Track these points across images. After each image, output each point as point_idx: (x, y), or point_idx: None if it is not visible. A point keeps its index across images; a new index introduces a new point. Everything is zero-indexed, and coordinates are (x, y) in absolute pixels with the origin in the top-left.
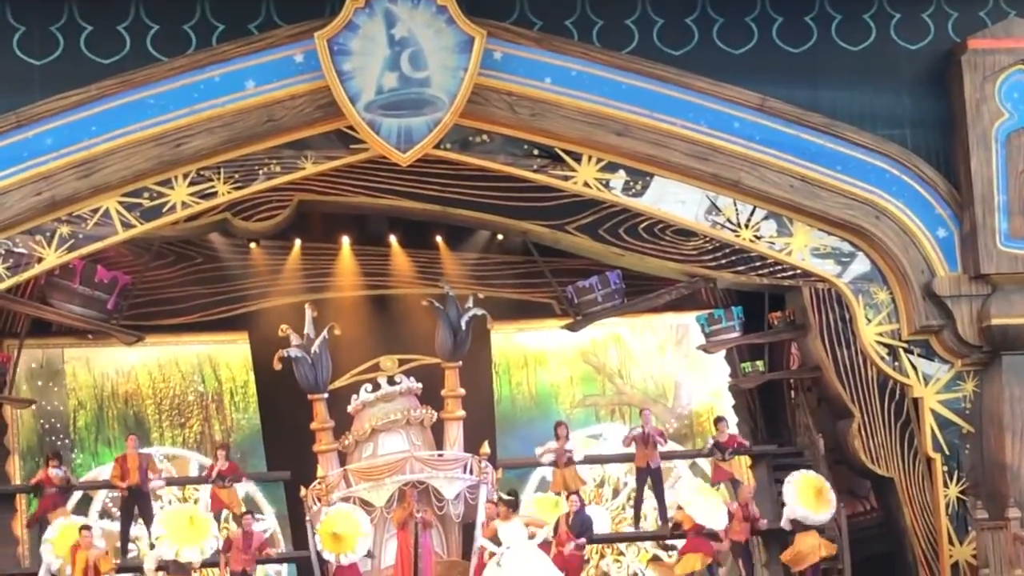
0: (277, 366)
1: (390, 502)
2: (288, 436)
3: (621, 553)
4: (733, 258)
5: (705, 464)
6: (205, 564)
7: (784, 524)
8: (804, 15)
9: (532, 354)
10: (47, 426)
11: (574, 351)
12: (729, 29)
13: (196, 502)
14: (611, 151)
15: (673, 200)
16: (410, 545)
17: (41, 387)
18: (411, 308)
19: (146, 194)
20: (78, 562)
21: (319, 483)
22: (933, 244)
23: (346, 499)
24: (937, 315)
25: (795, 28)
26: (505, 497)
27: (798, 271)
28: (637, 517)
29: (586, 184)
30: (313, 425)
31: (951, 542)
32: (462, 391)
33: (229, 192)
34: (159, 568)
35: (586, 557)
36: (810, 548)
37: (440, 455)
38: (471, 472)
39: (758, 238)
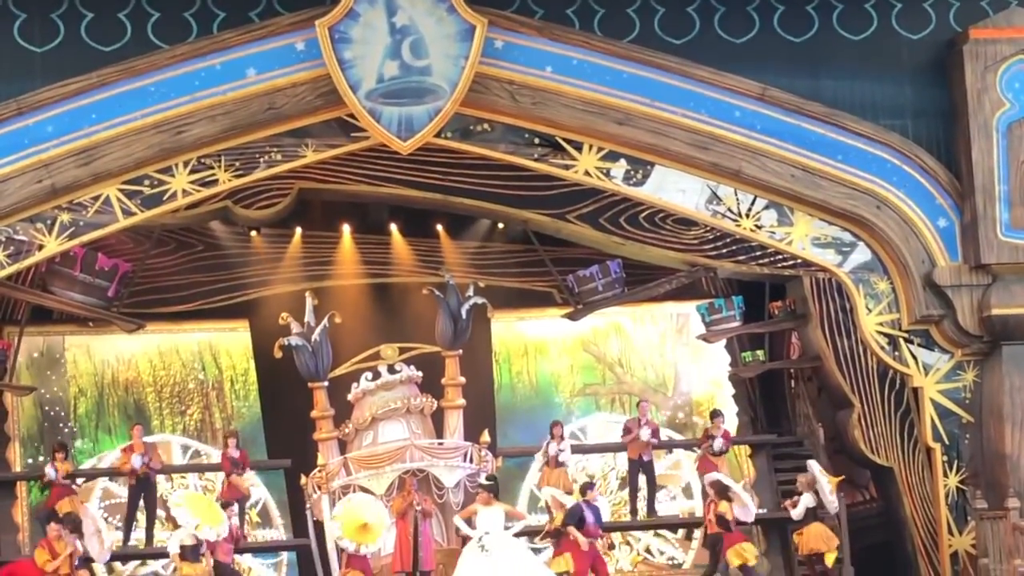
0: (278, 354)
1: (390, 490)
2: (288, 424)
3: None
4: (734, 247)
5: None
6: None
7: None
8: (806, 4)
9: (532, 343)
10: (49, 413)
11: (574, 340)
12: (730, 18)
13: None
14: (612, 140)
15: (674, 189)
16: (409, 534)
17: (42, 374)
18: (412, 296)
19: (147, 182)
20: None
21: (319, 471)
22: (934, 234)
23: (346, 487)
24: (937, 305)
25: (796, 17)
26: (484, 483)
27: (799, 260)
28: (633, 510)
29: (587, 173)
30: (313, 413)
31: (950, 532)
32: (462, 379)
33: (230, 180)
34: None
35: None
36: (816, 533)
37: (440, 443)
38: (471, 460)
39: (759, 227)
